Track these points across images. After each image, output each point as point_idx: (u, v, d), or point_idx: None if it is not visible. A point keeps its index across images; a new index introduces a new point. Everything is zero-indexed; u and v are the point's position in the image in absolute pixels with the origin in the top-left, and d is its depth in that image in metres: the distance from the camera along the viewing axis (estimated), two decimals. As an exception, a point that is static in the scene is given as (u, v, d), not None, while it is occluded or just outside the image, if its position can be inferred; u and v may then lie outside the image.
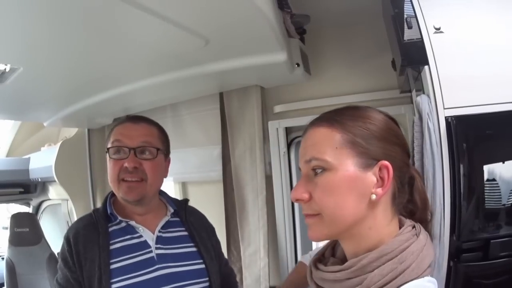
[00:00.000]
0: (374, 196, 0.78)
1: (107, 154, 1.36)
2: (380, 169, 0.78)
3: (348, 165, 0.78)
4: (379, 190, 0.78)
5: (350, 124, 0.80)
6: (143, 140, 1.35)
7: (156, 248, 1.35)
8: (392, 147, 0.81)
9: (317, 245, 2.31)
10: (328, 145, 0.80)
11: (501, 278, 1.30)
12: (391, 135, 0.82)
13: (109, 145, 1.36)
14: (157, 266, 1.32)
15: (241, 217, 2.21)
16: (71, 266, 1.29)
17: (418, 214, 0.87)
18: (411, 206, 0.87)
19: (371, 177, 0.78)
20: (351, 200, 0.78)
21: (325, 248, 0.94)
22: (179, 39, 1.49)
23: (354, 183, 0.78)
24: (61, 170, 2.83)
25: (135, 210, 1.38)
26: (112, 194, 1.43)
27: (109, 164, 1.36)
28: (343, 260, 0.84)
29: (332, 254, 0.92)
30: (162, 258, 1.34)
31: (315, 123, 0.84)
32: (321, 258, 0.91)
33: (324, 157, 0.79)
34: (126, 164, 1.31)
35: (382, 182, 0.78)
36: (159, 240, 1.37)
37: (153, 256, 1.33)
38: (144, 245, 1.34)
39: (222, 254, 1.61)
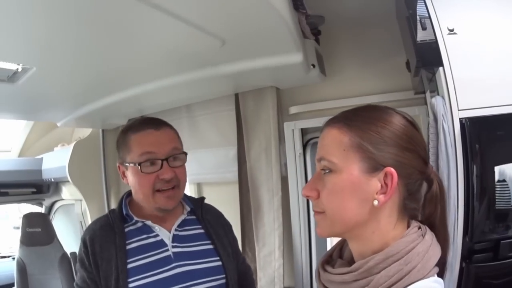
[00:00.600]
0: (376, 202, 0.78)
1: (135, 167, 1.31)
2: (385, 176, 0.78)
3: (353, 169, 0.79)
4: (382, 197, 0.78)
5: (362, 127, 0.80)
6: (172, 147, 1.34)
7: (173, 247, 1.35)
8: (403, 153, 0.80)
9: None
10: (336, 147, 0.81)
11: (510, 278, 1.31)
12: (404, 141, 0.80)
13: (137, 160, 1.30)
14: (174, 264, 1.32)
15: (256, 218, 2.21)
16: (87, 267, 1.30)
17: (425, 218, 0.87)
18: (423, 211, 0.87)
19: (375, 182, 0.78)
20: (353, 204, 0.79)
21: (333, 249, 0.95)
22: (195, 40, 1.49)
23: (357, 187, 0.79)
24: (75, 170, 2.84)
25: (156, 212, 1.37)
26: (128, 195, 1.43)
27: (138, 177, 1.32)
28: (350, 261, 0.85)
29: (339, 255, 0.92)
30: (178, 256, 1.34)
31: (330, 123, 0.85)
32: (328, 260, 0.92)
33: (331, 159, 0.80)
34: (164, 176, 1.30)
35: (386, 189, 0.78)
36: (175, 238, 1.37)
37: (169, 255, 1.33)
38: (161, 244, 1.35)
39: (239, 251, 1.61)
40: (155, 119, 1.42)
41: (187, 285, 1.31)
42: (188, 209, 1.45)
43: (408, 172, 0.80)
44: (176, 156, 1.35)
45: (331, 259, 0.92)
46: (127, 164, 1.34)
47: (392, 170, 0.77)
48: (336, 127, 0.82)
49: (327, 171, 0.81)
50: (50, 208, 3.85)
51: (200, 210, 1.48)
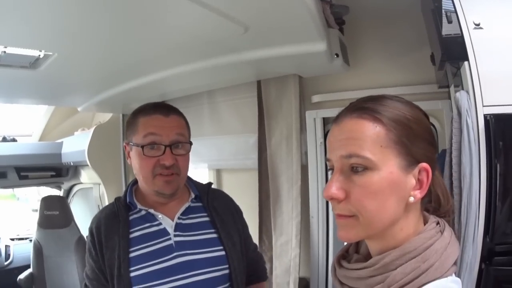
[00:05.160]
0: (412, 199, 0.74)
1: (138, 148, 1.31)
2: (419, 172, 0.75)
3: (391, 166, 0.73)
4: (417, 193, 0.75)
5: (395, 120, 0.75)
6: (177, 133, 1.32)
7: (175, 235, 1.33)
8: (430, 148, 0.78)
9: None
10: (372, 142, 0.73)
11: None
12: (429, 135, 0.78)
13: (141, 141, 1.30)
14: (175, 254, 1.30)
15: (274, 207, 2.20)
16: (94, 256, 1.32)
17: (442, 209, 0.84)
18: (434, 204, 0.84)
19: (411, 179, 0.75)
20: (392, 203, 0.74)
21: (349, 244, 0.92)
22: (218, 26, 1.48)
23: (396, 185, 0.73)
24: (94, 154, 2.88)
25: (160, 200, 1.36)
26: (134, 183, 1.42)
27: (140, 159, 1.31)
28: (367, 257, 0.82)
29: (356, 250, 0.89)
30: (180, 245, 1.32)
31: (354, 112, 0.77)
32: (345, 255, 0.88)
33: (367, 155, 0.73)
34: (165, 162, 1.28)
35: (420, 185, 0.75)
36: (178, 227, 1.35)
37: (171, 244, 1.32)
38: (163, 232, 1.33)
39: (249, 238, 1.57)
40: (167, 105, 1.40)
41: (188, 275, 1.29)
42: (193, 196, 1.42)
43: (433, 166, 0.77)
44: (180, 144, 1.33)
45: (347, 254, 0.89)
46: (132, 145, 1.34)
47: (427, 166, 0.74)
48: (368, 119, 0.75)
49: (360, 169, 0.74)
50: (68, 192, 3.91)
51: (206, 197, 1.44)
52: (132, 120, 1.37)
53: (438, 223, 0.80)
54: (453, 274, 0.75)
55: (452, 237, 0.78)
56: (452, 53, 1.37)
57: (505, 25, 1.34)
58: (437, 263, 0.72)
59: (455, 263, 0.75)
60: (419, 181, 0.75)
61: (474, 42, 1.31)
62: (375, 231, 0.76)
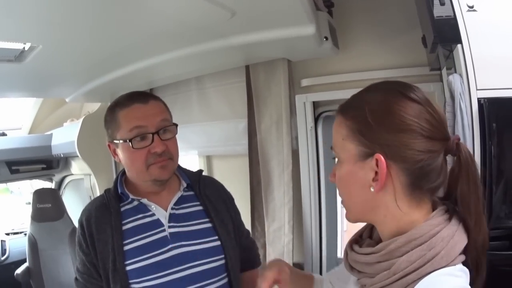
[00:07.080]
0: (372, 189, 0.76)
1: (126, 144, 1.26)
2: (376, 162, 0.74)
3: (350, 157, 0.79)
4: (375, 184, 0.76)
5: (354, 114, 0.78)
6: (161, 119, 1.29)
7: (169, 227, 1.31)
8: (395, 136, 0.73)
9: (342, 229, 2.33)
10: (338, 136, 0.81)
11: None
12: (396, 122, 0.73)
13: (127, 136, 1.26)
14: (170, 246, 1.28)
15: (266, 192, 2.19)
16: (85, 249, 1.28)
17: (460, 199, 0.77)
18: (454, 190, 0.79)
19: (369, 170, 0.76)
20: (355, 191, 0.80)
21: (363, 228, 0.93)
22: (204, 11, 1.45)
23: (355, 175, 0.79)
24: (84, 145, 2.87)
25: (152, 188, 1.33)
26: (123, 173, 1.39)
27: (130, 153, 1.27)
28: (379, 242, 0.82)
29: (369, 235, 0.90)
30: (175, 236, 1.30)
31: (338, 109, 0.84)
32: (358, 239, 0.90)
33: (335, 148, 0.83)
34: (156, 150, 1.25)
35: (379, 176, 0.75)
36: (172, 217, 1.32)
37: (166, 235, 1.29)
38: (157, 223, 1.31)
39: (242, 225, 1.55)
40: (142, 93, 1.37)
41: (185, 267, 1.28)
42: (185, 184, 1.40)
43: (403, 155, 0.73)
44: (166, 129, 1.30)
45: (360, 239, 0.90)
46: (118, 142, 1.29)
47: (380, 156, 0.73)
48: (338, 115, 0.82)
49: (336, 159, 0.84)
50: (60, 184, 3.90)
51: (198, 185, 1.42)
52: (111, 116, 1.32)
53: (447, 210, 0.78)
54: (461, 263, 0.73)
55: (460, 225, 0.76)
56: (444, 36, 1.35)
57: (499, 7, 1.33)
58: (443, 251, 0.71)
59: (464, 253, 0.74)
60: (378, 172, 0.75)
61: (467, 24, 1.30)
62: (357, 215, 0.85)
